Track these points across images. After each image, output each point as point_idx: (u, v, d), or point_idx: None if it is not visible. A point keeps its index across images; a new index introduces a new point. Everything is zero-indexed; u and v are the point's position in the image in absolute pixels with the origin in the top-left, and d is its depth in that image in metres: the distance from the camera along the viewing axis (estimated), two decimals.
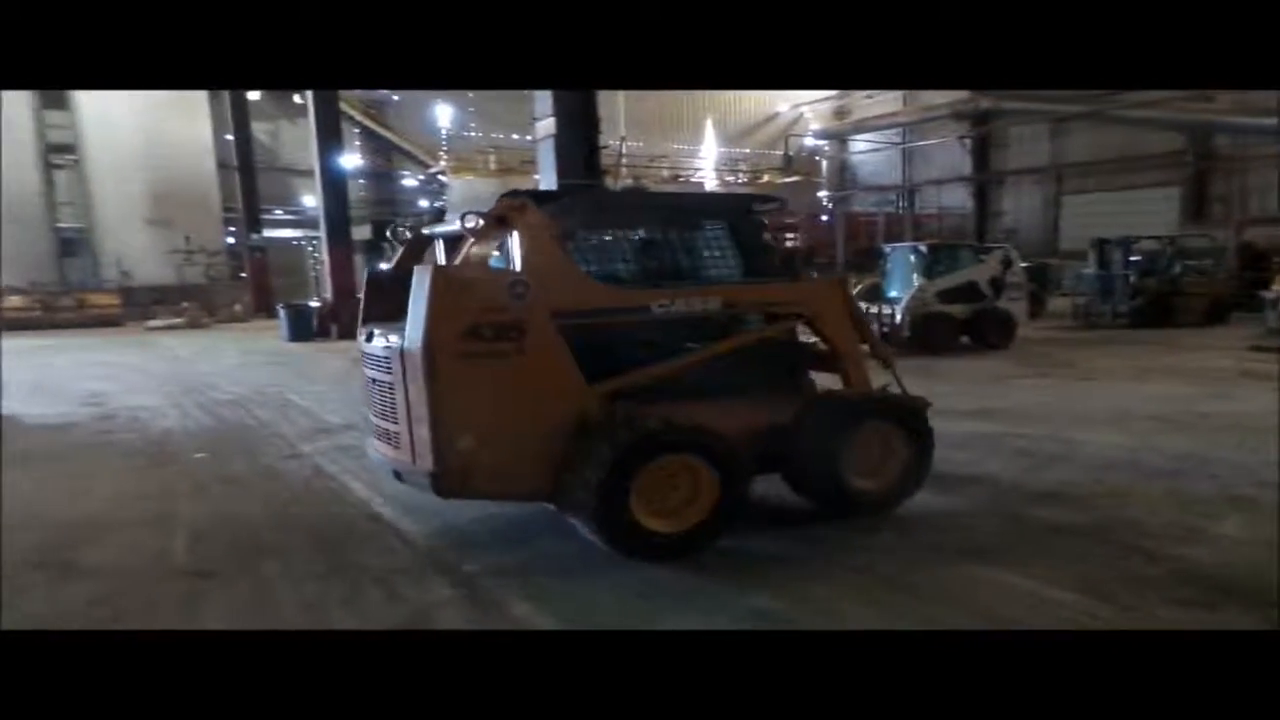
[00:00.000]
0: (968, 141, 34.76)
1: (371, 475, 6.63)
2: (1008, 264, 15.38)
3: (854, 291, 15.32)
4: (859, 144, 41.32)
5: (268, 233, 30.37)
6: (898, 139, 38.92)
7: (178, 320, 25.30)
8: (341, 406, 9.91)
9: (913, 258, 15.15)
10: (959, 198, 36.46)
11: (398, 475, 5.00)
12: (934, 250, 15.37)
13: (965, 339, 14.83)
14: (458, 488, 4.69)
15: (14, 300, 25.42)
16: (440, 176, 35.27)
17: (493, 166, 33.73)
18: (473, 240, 4.64)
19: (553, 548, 5.04)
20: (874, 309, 14.49)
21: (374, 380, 5.04)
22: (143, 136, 29.65)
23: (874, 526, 5.30)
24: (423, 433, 4.58)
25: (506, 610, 4.18)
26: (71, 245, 30.91)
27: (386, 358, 4.79)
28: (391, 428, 4.90)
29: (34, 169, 29.35)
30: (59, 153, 30.52)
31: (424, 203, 37.08)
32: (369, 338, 5.07)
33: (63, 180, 30.80)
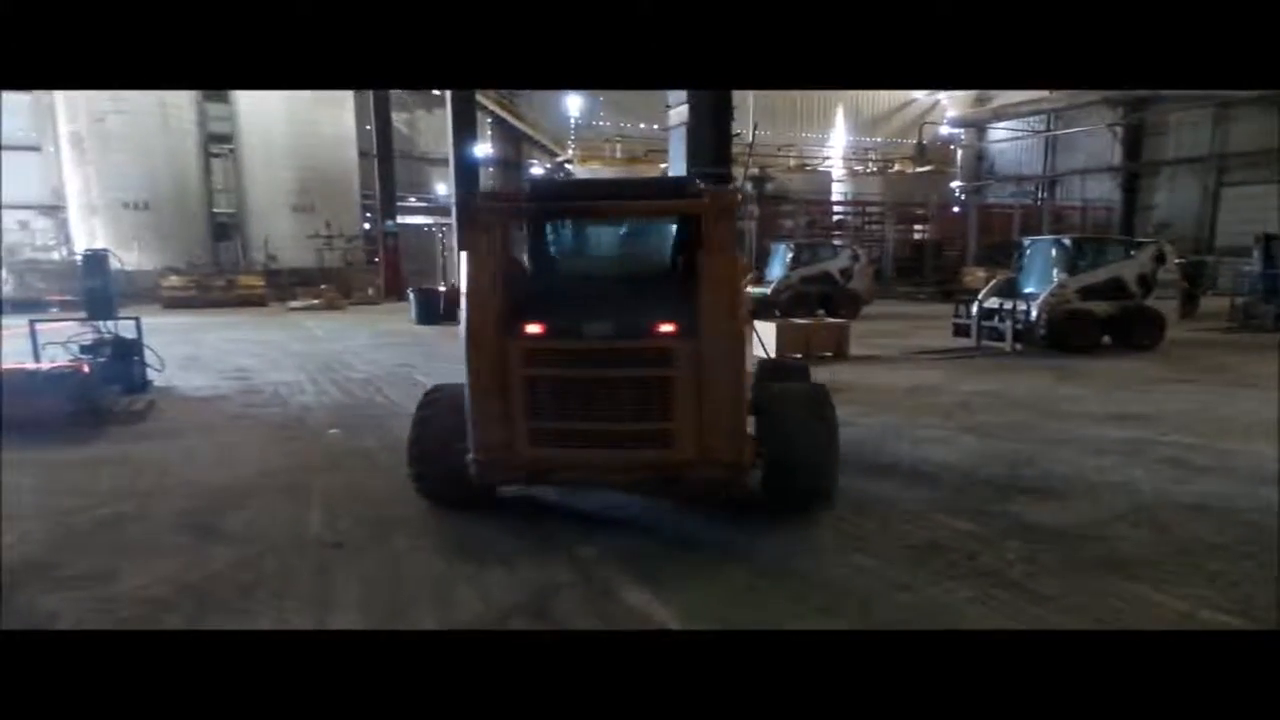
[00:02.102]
0: (1119, 129, 32.76)
1: None
2: (1161, 260, 14.38)
3: (987, 287, 14.88)
4: (998, 132, 39.58)
5: (401, 219, 31.60)
6: (1041, 127, 37.05)
7: (316, 302, 26.65)
8: None
9: (1054, 251, 14.33)
10: (1105, 189, 34.47)
11: (641, 485, 5.16)
12: (1078, 244, 14.52)
13: (1107, 339, 13.98)
14: (747, 472, 4.85)
15: (173, 280, 27.38)
16: (567, 165, 35.83)
17: (619, 155, 34.00)
18: (714, 221, 4.71)
19: (666, 532, 5.04)
20: (1007, 305, 13.83)
21: (616, 380, 4.62)
22: (293, 127, 31.32)
23: (1002, 531, 5.06)
24: (722, 423, 4.61)
25: (619, 595, 4.20)
26: (224, 229, 33.07)
27: (644, 350, 4.61)
28: (653, 426, 4.64)
29: (195, 158, 31.51)
30: (218, 142, 32.67)
31: None
32: (579, 332, 4.64)
33: (219, 168, 32.96)
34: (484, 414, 4.81)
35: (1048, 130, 36.94)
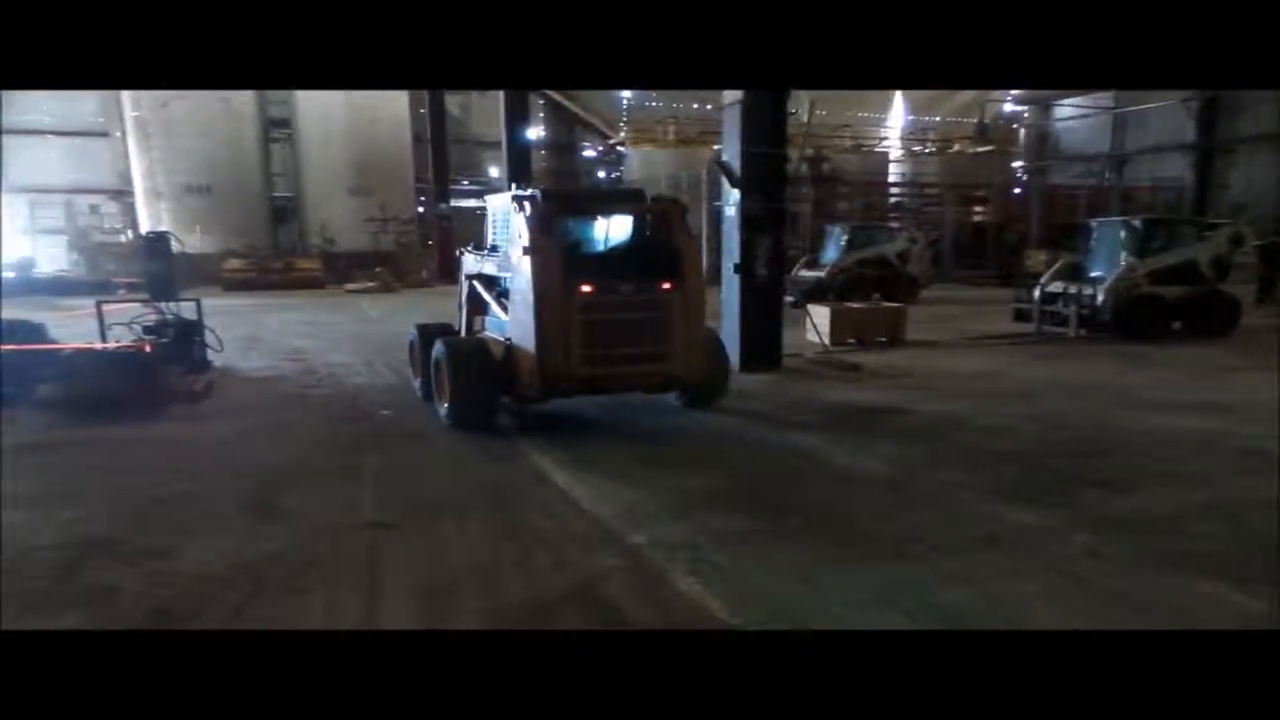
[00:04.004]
0: (1193, 105, 31.44)
1: (545, 438, 6.78)
2: (1238, 242, 13.76)
3: (1050, 270, 14.37)
4: (1064, 109, 38.26)
5: (454, 202, 31.76)
6: (1109, 103, 35.73)
7: (371, 284, 26.96)
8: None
9: (1123, 234, 13.81)
10: (1177, 168, 33.11)
11: (651, 391, 7.71)
12: (1149, 225, 13.95)
13: (1178, 325, 13.44)
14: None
15: (234, 263, 27.94)
16: (619, 147, 35.63)
17: (671, 137, 33.67)
18: (681, 219, 7.48)
19: (717, 523, 4.96)
20: (1072, 289, 13.38)
21: (637, 319, 7.01)
22: (349, 111, 31.62)
23: (1072, 523, 4.87)
24: (696, 346, 7.28)
25: (670, 583, 4.13)
26: (282, 213, 33.58)
27: (655, 299, 7.02)
28: (653, 348, 7.08)
29: (254, 142, 32.04)
30: (276, 127, 33.15)
31: (602, 173, 37.67)
32: (615, 289, 6.95)
33: (277, 152, 33.47)
34: (551, 348, 6.77)
35: (1117, 107, 35.65)
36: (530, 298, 6.80)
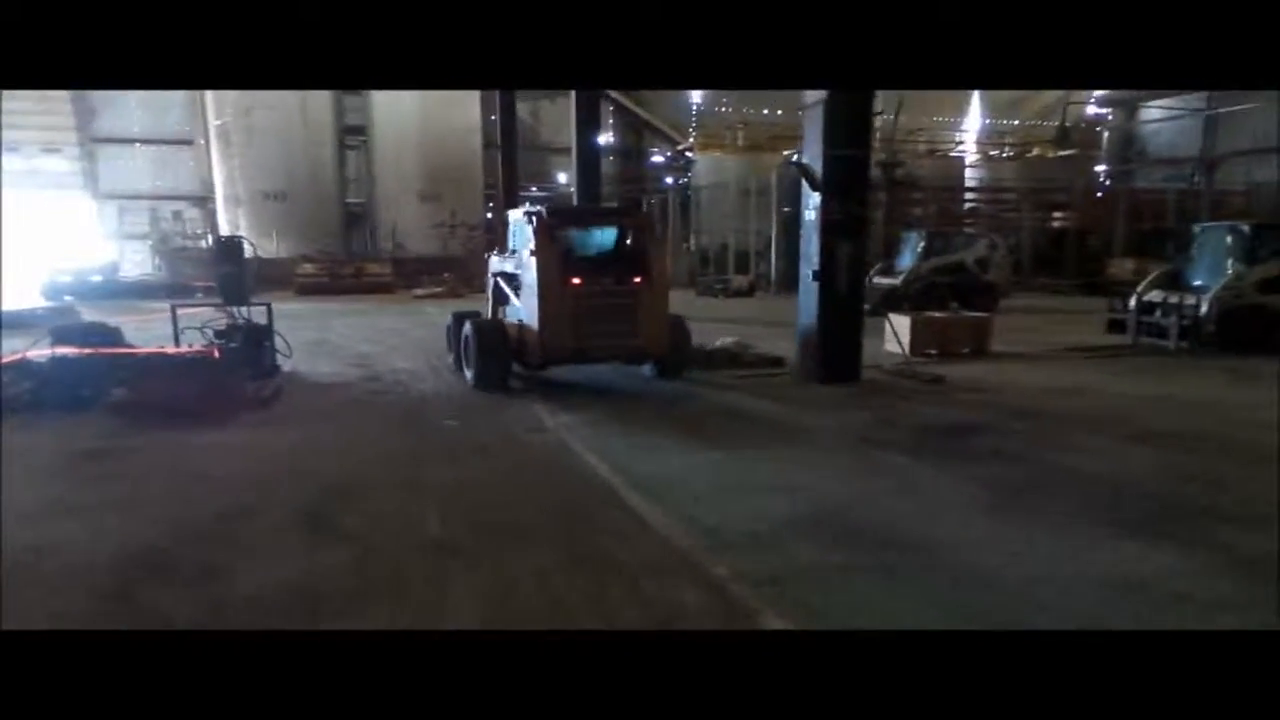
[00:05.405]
0: None
1: (619, 453, 6.50)
2: None
3: (1148, 279, 13.51)
4: (1152, 111, 36.64)
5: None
6: (1200, 104, 34.06)
7: (438, 289, 27.08)
8: (583, 380, 9.94)
9: (1229, 239, 12.89)
10: (1274, 173, 31.35)
11: (627, 362, 9.74)
12: (1260, 231, 12.94)
13: None
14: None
15: (307, 267, 28.33)
16: (687, 153, 35.30)
17: (740, 143, 33.18)
18: (651, 228, 10.31)
19: (804, 553, 4.55)
20: (1172, 298, 12.54)
21: (614, 305, 8.93)
22: (421, 118, 31.86)
23: (1207, 566, 4.34)
24: (661, 328, 9.22)
25: (756, 621, 3.75)
26: (355, 218, 34.05)
27: (627, 290, 8.96)
28: (626, 328, 8.96)
29: (330, 150, 32.53)
30: (352, 134, 33.65)
31: (669, 179, 37.36)
32: (598, 283, 8.93)
33: (352, 159, 33.96)
34: (552, 326, 8.75)
35: (1209, 108, 33.92)
36: (535, 288, 8.81)
